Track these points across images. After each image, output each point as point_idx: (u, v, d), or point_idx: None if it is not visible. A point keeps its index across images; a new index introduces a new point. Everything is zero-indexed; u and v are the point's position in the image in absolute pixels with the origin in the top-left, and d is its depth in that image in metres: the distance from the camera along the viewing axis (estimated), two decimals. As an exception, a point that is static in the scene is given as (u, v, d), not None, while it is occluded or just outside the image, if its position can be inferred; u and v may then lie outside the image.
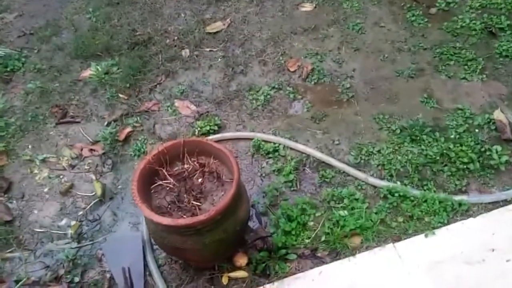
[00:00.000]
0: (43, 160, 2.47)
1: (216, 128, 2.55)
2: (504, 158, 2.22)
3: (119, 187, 2.34)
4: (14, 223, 2.22)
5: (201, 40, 3.11)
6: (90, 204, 2.26)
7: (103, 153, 2.49)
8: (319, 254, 2.02)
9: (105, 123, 2.63)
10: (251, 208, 2.13)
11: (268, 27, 3.17)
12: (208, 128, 2.54)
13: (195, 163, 1.92)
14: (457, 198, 2.11)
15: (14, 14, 3.52)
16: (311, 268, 1.98)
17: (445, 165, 2.27)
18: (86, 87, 2.86)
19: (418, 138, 2.38)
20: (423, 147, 2.35)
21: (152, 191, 1.87)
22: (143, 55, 3.03)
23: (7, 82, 2.91)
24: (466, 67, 2.73)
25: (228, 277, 1.97)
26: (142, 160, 1.87)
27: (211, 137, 2.49)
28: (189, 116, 2.66)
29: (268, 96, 2.71)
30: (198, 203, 1.80)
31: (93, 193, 2.31)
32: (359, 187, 2.24)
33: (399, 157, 2.33)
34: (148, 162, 1.85)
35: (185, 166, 1.92)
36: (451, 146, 2.31)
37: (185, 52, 3.05)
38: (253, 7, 3.33)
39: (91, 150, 2.50)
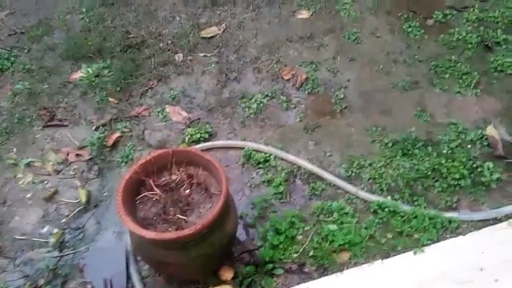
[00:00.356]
0: (28, 164, 2.41)
1: (207, 135, 2.51)
2: (496, 176, 2.20)
3: (105, 194, 2.30)
4: (-6, 229, 2.17)
5: (195, 45, 3.07)
6: (74, 212, 2.21)
7: (90, 159, 2.44)
8: (306, 270, 1.98)
9: (94, 128, 2.58)
10: (239, 220, 2.09)
11: (264, 33, 3.13)
12: (198, 135, 2.50)
13: (183, 173, 1.88)
14: (448, 215, 2.09)
15: (5, 12, 3.46)
16: (298, 283, 1.94)
17: (436, 181, 2.25)
18: (76, 90, 2.81)
19: (410, 152, 2.36)
20: (415, 161, 2.32)
21: (138, 202, 1.83)
22: (136, 58, 2.98)
23: (-6, 82, 2.86)
24: (460, 81, 2.70)
25: (213, 291, 1.93)
26: (129, 169, 1.83)
27: (201, 145, 2.45)
28: (180, 122, 2.62)
29: (261, 105, 2.67)
30: (184, 216, 1.76)
31: (78, 200, 2.26)
32: (349, 201, 2.21)
33: (390, 171, 2.30)
34: (135, 172, 1.81)
35: (173, 176, 1.88)
36: (443, 161, 2.28)
37: (179, 57, 3.01)
38: (249, 13, 3.30)
39: (77, 155, 2.45)
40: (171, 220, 1.75)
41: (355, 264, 1.99)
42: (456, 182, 2.22)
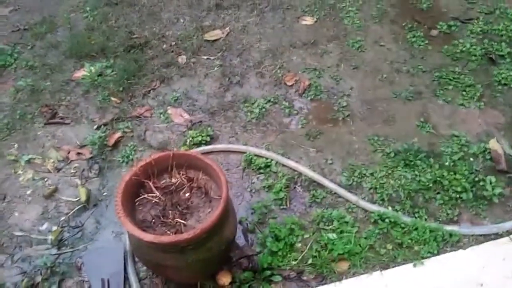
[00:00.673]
0: (28, 161, 2.40)
1: (208, 139, 2.50)
2: (498, 190, 2.19)
3: (105, 194, 2.28)
4: (-8, 225, 2.15)
5: (198, 48, 3.07)
6: (74, 210, 2.20)
7: (91, 158, 2.43)
8: (304, 278, 1.97)
9: (95, 127, 2.57)
10: (238, 225, 2.08)
11: (268, 38, 3.13)
12: (200, 138, 2.49)
13: (183, 177, 1.87)
14: (448, 228, 2.08)
15: (9, 8, 3.45)
16: (296, 291, 1.93)
17: (438, 193, 2.24)
18: (78, 88, 2.80)
19: (412, 163, 2.35)
20: (416, 172, 2.31)
21: (137, 204, 1.82)
22: (139, 58, 2.98)
23: (-3, 77, 2.85)
24: (464, 93, 2.70)
25: (210, 295, 1.92)
26: (129, 171, 1.82)
27: (202, 148, 2.44)
28: (181, 124, 2.61)
29: (263, 110, 2.67)
30: (183, 220, 1.74)
31: (77, 199, 2.24)
32: (350, 210, 2.20)
33: (392, 182, 2.30)
34: (135, 173, 1.79)
35: (173, 179, 1.87)
36: (445, 174, 2.27)
37: (182, 59, 3.00)
38: (254, 17, 3.30)
39: (78, 153, 2.43)
40: (170, 223, 1.74)
41: (354, 274, 1.98)
42: (457, 195, 2.21)
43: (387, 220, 2.12)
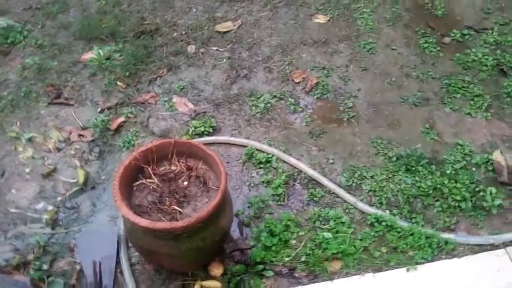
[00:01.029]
0: (30, 139, 2.40)
1: (211, 130, 2.49)
2: (497, 202, 2.17)
3: (103, 177, 2.28)
4: (-11, 200, 2.16)
5: (209, 38, 3.05)
6: (71, 191, 2.20)
7: (92, 140, 2.43)
8: (296, 274, 1.97)
9: (99, 110, 2.57)
10: (234, 217, 2.08)
11: (279, 34, 3.11)
12: (203, 129, 2.48)
13: (183, 165, 1.86)
14: (445, 235, 2.06)
15: (23, -14, 3.45)
16: (287, 287, 1.92)
17: (437, 200, 2.22)
18: (85, 70, 2.80)
19: (414, 168, 2.33)
20: (417, 178, 2.29)
21: (135, 189, 1.82)
22: (148, 45, 2.97)
23: (5, 54, 2.85)
24: (472, 102, 2.67)
25: (201, 285, 1.91)
26: (129, 155, 1.81)
27: (204, 138, 2.44)
28: (185, 114, 2.60)
29: (269, 105, 2.66)
30: (180, 208, 1.74)
31: (75, 180, 2.25)
32: (347, 211, 2.19)
33: (391, 186, 2.28)
34: (135, 158, 1.79)
35: (172, 167, 1.87)
36: (446, 182, 2.25)
37: (191, 48, 2.99)
38: (266, 12, 3.28)
39: (80, 135, 2.44)
40: (166, 210, 1.74)
41: (346, 275, 1.97)
42: (456, 204, 2.19)
43: (383, 224, 2.10)
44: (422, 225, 2.12)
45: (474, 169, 2.35)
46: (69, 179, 2.25)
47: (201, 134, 2.47)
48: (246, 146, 2.41)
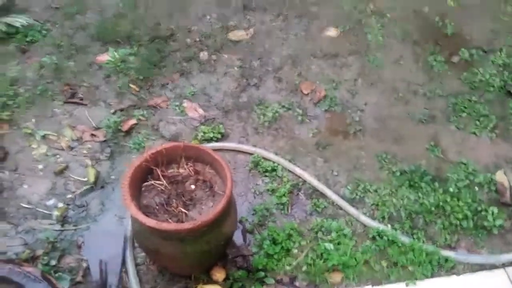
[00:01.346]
0: (44, 136, 2.47)
1: (219, 136, 2.55)
2: (499, 222, 2.20)
3: (113, 177, 2.34)
4: (2, 194, 2.22)
5: (221, 46, 3.12)
6: (81, 190, 2.26)
7: (104, 141, 2.48)
8: (297, 284, 2.00)
9: (112, 111, 2.63)
10: (238, 224, 2.12)
11: (290, 45, 3.17)
12: (211, 134, 2.53)
13: (191, 169, 1.91)
14: (445, 253, 2.09)
15: (44, -14, 3.54)
16: (287, 296, 1.96)
17: (439, 217, 2.25)
18: (100, 71, 2.87)
19: (417, 184, 2.37)
20: (420, 194, 2.33)
21: (143, 189, 1.87)
22: (162, 50, 3.04)
23: (24, 52, 2.92)
24: (477, 122, 2.71)
25: (202, 289, 1.96)
26: (139, 156, 1.87)
27: (212, 144, 2.49)
28: (195, 119, 2.66)
29: (277, 114, 2.71)
30: (186, 210, 1.79)
31: (86, 179, 2.30)
32: (349, 223, 2.23)
33: (394, 200, 2.32)
34: (145, 160, 1.84)
35: (181, 170, 1.92)
36: (448, 199, 2.29)
37: (203, 55, 3.06)
38: (279, 22, 3.34)
39: (92, 135, 2.50)
40: (172, 212, 1.78)
41: (346, 287, 2.00)
42: (458, 222, 2.22)
43: (385, 238, 2.14)
44: (423, 242, 2.16)
45: (477, 188, 2.38)
46: (80, 177, 2.31)
47: (209, 140, 2.53)
48: (252, 154, 2.46)
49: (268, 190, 2.33)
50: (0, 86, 2.64)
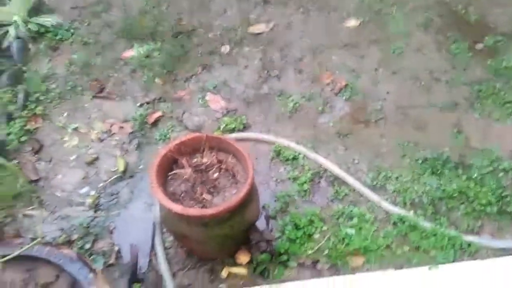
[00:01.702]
0: (75, 129, 2.59)
1: (241, 126, 2.61)
2: (523, 207, 2.18)
3: (140, 167, 2.44)
4: (38, 183, 2.35)
5: (242, 39, 3.18)
6: (111, 178, 2.37)
7: (131, 132, 2.59)
8: (319, 267, 2.05)
9: (138, 104, 2.74)
10: (261, 210, 2.18)
11: (310, 36, 3.19)
12: (233, 125, 2.60)
13: (214, 158, 1.98)
14: (468, 238, 2.09)
15: (72, -14, 3.68)
16: (309, 278, 2.01)
17: (462, 203, 2.25)
18: (126, 67, 2.97)
19: (439, 171, 2.37)
20: (442, 181, 2.33)
21: (169, 178, 1.95)
22: (185, 44, 3.12)
23: (54, 49, 3.06)
24: (502, 108, 2.67)
25: (228, 271, 2.03)
26: (165, 146, 1.95)
27: (234, 134, 2.55)
28: (217, 111, 2.73)
29: (297, 104, 2.75)
30: (210, 197, 1.86)
31: (116, 169, 2.41)
32: (371, 209, 2.25)
33: (416, 187, 2.32)
34: (170, 150, 1.92)
35: (204, 159, 1.98)
36: (472, 185, 2.28)
37: (225, 48, 3.12)
38: (299, 15, 3.37)
39: (120, 127, 2.61)
40: (197, 199, 1.86)
41: (368, 270, 2.04)
42: (481, 208, 2.21)
43: (406, 223, 2.16)
44: (446, 227, 2.16)
45: (501, 174, 2.36)
46: (110, 167, 2.42)
47: (231, 130, 2.59)
48: (274, 143, 2.51)
49: (289, 178, 2.38)
50: (33, 83, 2.79)
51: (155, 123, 2.65)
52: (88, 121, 2.65)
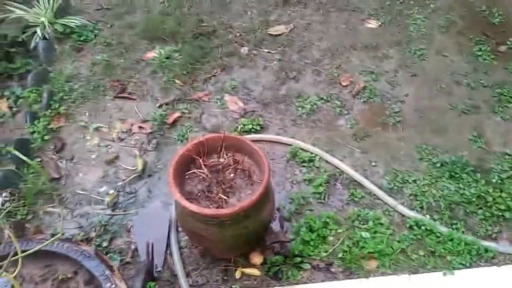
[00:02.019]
0: (96, 129, 2.66)
1: (258, 128, 2.63)
2: (545, 214, 2.13)
3: (158, 167, 2.49)
4: (60, 182, 2.43)
5: (261, 41, 3.20)
6: (130, 178, 2.42)
7: (150, 132, 2.64)
8: (333, 269, 2.05)
9: (158, 105, 2.79)
10: (276, 211, 2.20)
11: (329, 38, 3.19)
12: (250, 126, 2.62)
13: (231, 158, 2.01)
14: (485, 243, 2.06)
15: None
16: (323, 281, 2.02)
17: (480, 208, 2.22)
18: (147, 68, 3.03)
19: (458, 175, 2.34)
20: (461, 185, 2.30)
21: (186, 177, 1.98)
22: (205, 46, 3.16)
23: (78, 50, 3.15)
24: (525, 112, 2.62)
25: (242, 272, 2.05)
26: (183, 146, 1.99)
27: (252, 135, 2.58)
28: (235, 111, 2.76)
29: (315, 106, 2.75)
30: (226, 197, 1.89)
31: (135, 168, 2.47)
32: (387, 213, 2.24)
33: (433, 191, 2.30)
34: (188, 149, 1.96)
35: (221, 159, 2.02)
36: (490, 190, 2.24)
37: (244, 50, 3.15)
38: (318, 16, 3.37)
39: (140, 127, 2.66)
40: (213, 199, 1.89)
41: (382, 274, 2.03)
42: (500, 213, 2.18)
43: (423, 227, 2.14)
44: (463, 232, 2.13)
45: (522, 180, 2.31)
46: (129, 166, 2.48)
47: (248, 131, 2.61)
48: (290, 145, 2.52)
49: (305, 180, 2.39)
50: (58, 82, 2.88)
51: (174, 123, 2.70)
52: (109, 120, 2.72)
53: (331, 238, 2.15)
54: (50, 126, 2.64)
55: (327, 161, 2.46)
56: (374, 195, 2.31)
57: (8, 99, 2.78)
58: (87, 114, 2.76)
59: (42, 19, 3.12)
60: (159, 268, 2.07)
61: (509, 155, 2.41)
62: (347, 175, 2.39)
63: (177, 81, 2.94)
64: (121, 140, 2.62)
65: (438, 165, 2.40)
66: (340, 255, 2.08)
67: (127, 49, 3.17)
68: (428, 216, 2.21)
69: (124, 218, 2.28)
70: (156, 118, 2.69)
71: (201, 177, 1.97)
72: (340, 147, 2.54)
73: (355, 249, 2.08)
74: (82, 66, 3.04)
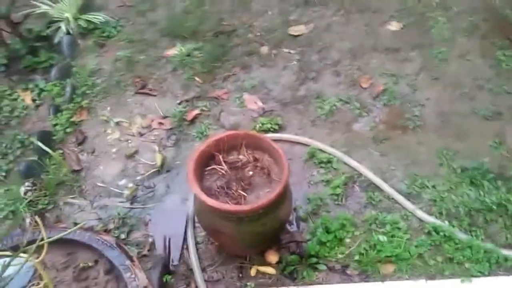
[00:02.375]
0: (117, 123, 2.70)
1: (276, 127, 2.63)
2: None
3: (177, 162, 2.51)
4: (80, 174, 2.47)
5: (281, 40, 3.20)
6: (149, 172, 2.46)
7: (170, 129, 2.67)
8: (349, 272, 2.04)
9: (178, 102, 2.82)
10: (292, 211, 2.20)
11: (350, 39, 3.18)
12: (269, 126, 2.63)
13: (250, 156, 2.02)
14: (505, 252, 2.03)
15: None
16: (338, 283, 2.01)
17: (501, 216, 2.18)
18: (168, 65, 3.06)
19: (479, 182, 2.30)
20: (481, 192, 2.26)
21: (206, 173, 2.00)
22: (225, 44, 3.18)
23: (101, 46, 3.20)
24: (549, 120, 2.57)
25: (257, 269, 2.06)
26: (203, 142, 2.00)
27: (270, 135, 2.58)
28: (254, 110, 2.77)
29: (334, 107, 2.74)
30: (244, 194, 1.90)
31: (154, 163, 2.50)
32: (405, 217, 2.22)
33: (453, 197, 2.27)
34: (208, 146, 1.98)
35: (240, 156, 2.03)
36: (511, 198, 2.20)
37: (264, 49, 3.16)
38: (339, 17, 3.36)
39: (160, 123, 2.69)
40: (232, 195, 1.90)
41: (398, 278, 2.01)
42: (521, 222, 2.14)
43: (441, 233, 2.11)
44: (482, 239, 2.10)
45: (544, 188, 2.27)
46: (148, 161, 2.51)
47: (267, 131, 2.62)
48: (309, 146, 2.52)
49: (323, 181, 2.38)
50: (80, 77, 2.93)
51: (193, 120, 2.72)
52: (130, 115, 2.75)
53: (347, 240, 2.14)
54: (72, 119, 2.69)
55: (345, 163, 2.44)
56: (393, 199, 2.29)
57: (32, 92, 2.84)
58: (108, 108, 2.80)
59: (67, 14, 3.18)
60: (176, 262, 2.09)
61: (531, 163, 2.37)
62: (365, 178, 2.37)
63: (197, 78, 2.96)
64: (141, 135, 2.65)
65: (459, 170, 2.37)
66: (356, 257, 2.07)
67: (148, 46, 3.21)
68: (447, 222, 2.18)
69: (142, 212, 2.31)
70: (176, 115, 2.71)
71: (220, 173, 1.98)
72: (359, 149, 2.52)
73: (372, 252, 2.07)
74: (105, 61, 3.09)
